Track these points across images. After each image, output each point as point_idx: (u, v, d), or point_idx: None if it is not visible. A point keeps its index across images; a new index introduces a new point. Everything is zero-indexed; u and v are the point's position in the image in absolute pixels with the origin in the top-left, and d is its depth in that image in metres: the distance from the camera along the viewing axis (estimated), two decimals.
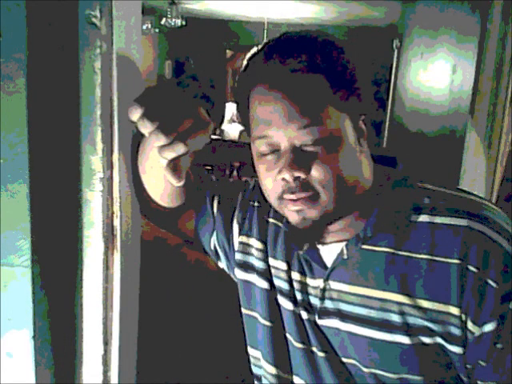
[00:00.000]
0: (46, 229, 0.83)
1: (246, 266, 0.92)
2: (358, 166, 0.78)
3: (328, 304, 0.82)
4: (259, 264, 0.90)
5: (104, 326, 0.90)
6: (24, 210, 0.78)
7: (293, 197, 0.74)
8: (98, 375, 0.92)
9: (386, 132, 5.01)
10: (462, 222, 0.72)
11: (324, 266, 0.83)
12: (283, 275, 0.87)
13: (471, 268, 0.70)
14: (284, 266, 0.87)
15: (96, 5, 0.80)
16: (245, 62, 0.82)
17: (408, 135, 3.88)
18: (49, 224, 0.84)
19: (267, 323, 0.87)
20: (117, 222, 0.91)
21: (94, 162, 0.85)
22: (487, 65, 1.98)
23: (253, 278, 0.90)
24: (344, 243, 0.80)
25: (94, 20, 0.80)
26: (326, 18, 5.74)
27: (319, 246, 0.84)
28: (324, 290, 0.82)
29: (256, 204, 0.95)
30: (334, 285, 0.81)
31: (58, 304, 0.87)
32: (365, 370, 0.78)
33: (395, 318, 0.75)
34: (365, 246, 0.78)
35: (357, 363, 0.79)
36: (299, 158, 0.72)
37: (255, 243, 0.92)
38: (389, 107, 4.99)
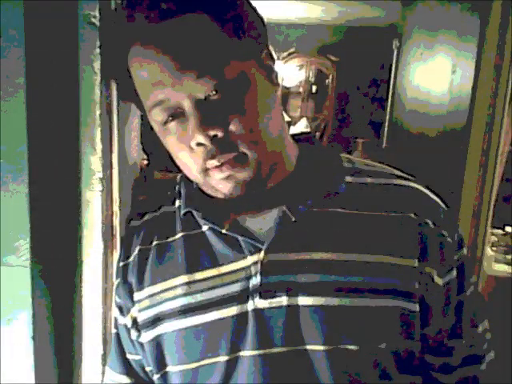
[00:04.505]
0: (45, 229, 0.83)
1: (189, 310, 0.70)
2: (277, 109, 0.69)
3: (272, 279, 0.68)
4: (197, 298, 0.70)
5: (104, 326, 0.91)
6: (24, 209, 0.78)
7: (215, 162, 0.63)
8: (98, 375, 0.92)
9: (386, 132, 5.01)
10: (404, 182, 0.74)
11: (256, 239, 0.69)
12: (225, 280, 0.69)
13: (428, 222, 0.70)
14: (215, 271, 0.70)
15: (96, 5, 0.80)
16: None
17: (408, 135, 3.88)
18: (49, 224, 0.84)
19: (254, 352, 0.67)
20: (116, 222, 0.91)
21: (93, 162, 0.85)
22: (487, 65, 1.99)
23: (199, 318, 0.70)
24: (283, 207, 0.69)
25: (93, 20, 0.80)
26: (326, 18, 5.74)
27: (246, 217, 0.72)
28: (265, 264, 0.68)
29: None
30: (276, 256, 0.68)
31: (58, 304, 0.88)
32: (322, 348, 0.67)
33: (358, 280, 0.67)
34: (314, 208, 0.69)
35: (312, 347, 0.67)
36: (209, 113, 0.62)
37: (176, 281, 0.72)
38: (388, 107, 4.99)
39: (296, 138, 0.78)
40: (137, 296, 0.74)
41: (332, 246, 0.68)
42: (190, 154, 0.65)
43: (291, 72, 6.07)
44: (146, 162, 2.55)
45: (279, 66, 5.63)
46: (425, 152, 3.10)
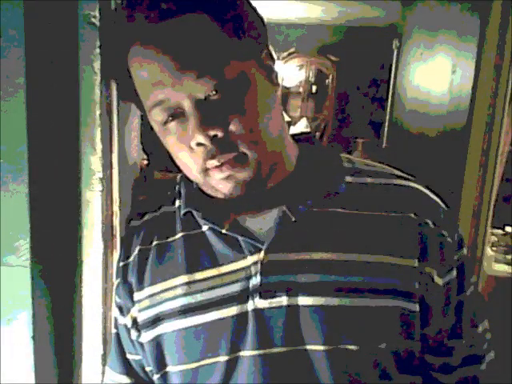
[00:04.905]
0: (45, 229, 0.83)
1: (189, 310, 0.70)
2: (277, 109, 0.69)
3: (272, 279, 0.68)
4: (201, 296, 0.70)
5: (104, 326, 0.91)
6: (24, 209, 0.78)
7: (215, 162, 0.63)
8: (98, 375, 0.92)
9: (386, 132, 5.01)
10: (404, 182, 0.73)
11: (256, 239, 0.69)
12: (226, 280, 0.69)
13: (428, 222, 0.70)
14: (215, 271, 0.70)
15: (96, 5, 0.80)
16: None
17: (408, 135, 3.88)
18: (49, 224, 0.84)
19: (254, 352, 0.67)
20: (116, 222, 0.91)
21: (93, 162, 0.85)
22: (487, 65, 1.98)
23: (199, 318, 0.70)
24: (283, 207, 0.69)
25: (93, 20, 0.80)
26: (326, 18, 5.74)
27: (246, 217, 0.72)
28: (265, 264, 0.68)
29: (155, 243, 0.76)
30: (276, 256, 0.68)
31: (58, 304, 0.88)
32: (322, 348, 0.67)
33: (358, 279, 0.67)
34: (314, 208, 0.69)
35: (312, 347, 0.67)
36: (209, 113, 0.62)
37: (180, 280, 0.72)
38: (388, 107, 4.99)
39: (296, 138, 0.77)
40: (137, 296, 0.74)
41: (332, 246, 0.68)
42: (190, 154, 0.65)
43: (291, 72, 6.07)
44: (145, 161, 2.55)
45: (279, 66, 5.63)
46: (425, 152, 3.10)
